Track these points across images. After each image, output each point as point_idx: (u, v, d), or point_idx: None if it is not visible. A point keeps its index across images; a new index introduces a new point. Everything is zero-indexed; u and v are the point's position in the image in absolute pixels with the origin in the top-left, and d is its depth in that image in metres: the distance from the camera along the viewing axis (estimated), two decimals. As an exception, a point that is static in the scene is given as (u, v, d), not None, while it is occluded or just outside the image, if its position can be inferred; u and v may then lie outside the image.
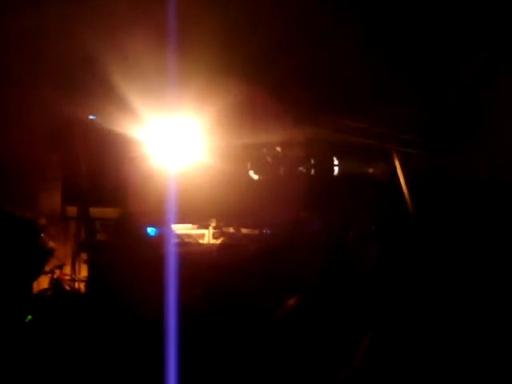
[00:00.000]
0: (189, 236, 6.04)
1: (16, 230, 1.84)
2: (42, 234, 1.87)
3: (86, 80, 4.88)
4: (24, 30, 4.64)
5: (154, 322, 3.21)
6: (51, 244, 1.90)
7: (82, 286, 5.43)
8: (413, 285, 3.67)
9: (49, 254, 1.86)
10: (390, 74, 5.64)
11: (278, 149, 6.69)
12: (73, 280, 5.50)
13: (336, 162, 6.93)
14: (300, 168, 6.83)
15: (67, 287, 5.28)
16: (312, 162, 6.86)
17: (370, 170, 6.86)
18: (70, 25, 4.47)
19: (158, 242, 5.21)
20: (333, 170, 6.95)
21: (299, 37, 5.28)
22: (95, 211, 5.80)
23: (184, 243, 5.84)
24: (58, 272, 5.21)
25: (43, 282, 5.07)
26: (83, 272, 5.58)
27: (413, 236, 5.10)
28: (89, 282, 5.20)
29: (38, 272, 1.86)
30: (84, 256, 5.57)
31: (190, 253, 5.52)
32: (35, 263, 1.87)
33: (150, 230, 5.74)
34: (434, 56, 5.47)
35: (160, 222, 5.41)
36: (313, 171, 6.87)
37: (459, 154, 5.88)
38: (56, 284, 5.09)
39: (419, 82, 5.67)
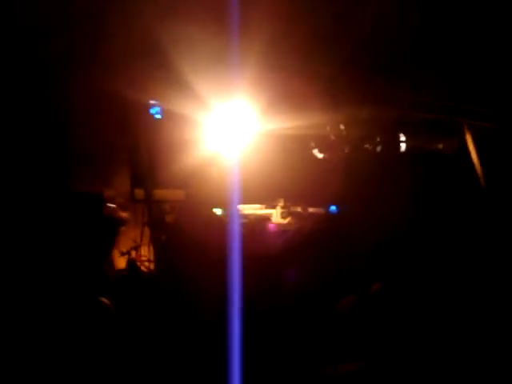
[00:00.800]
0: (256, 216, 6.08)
1: (82, 202, 1.93)
2: (111, 205, 1.94)
3: (147, 64, 4.96)
4: (90, 16, 4.76)
5: (220, 304, 3.26)
6: (122, 214, 1.95)
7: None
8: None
9: (119, 222, 1.92)
10: (457, 43, 5.42)
11: (342, 127, 6.59)
12: (149, 260, 5.64)
13: (403, 139, 6.75)
14: (365, 146, 6.71)
15: (143, 268, 5.45)
16: (378, 139, 6.72)
17: (440, 146, 6.65)
18: (131, 10, 4.54)
19: (225, 223, 5.29)
20: (399, 147, 6.78)
21: (359, 14, 5.15)
22: (164, 193, 5.91)
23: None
24: (133, 253, 5.39)
25: (121, 263, 5.29)
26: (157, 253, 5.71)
27: (487, 215, 4.91)
28: (157, 263, 5.35)
29: (112, 240, 1.92)
30: (156, 237, 5.70)
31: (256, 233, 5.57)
32: (106, 232, 1.94)
33: (217, 211, 5.83)
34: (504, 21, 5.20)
35: (227, 203, 5.48)
36: (379, 149, 6.73)
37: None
38: (131, 264, 5.27)
39: (490, 49, 5.41)
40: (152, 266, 5.55)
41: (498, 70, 5.57)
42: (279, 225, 5.91)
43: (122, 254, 5.28)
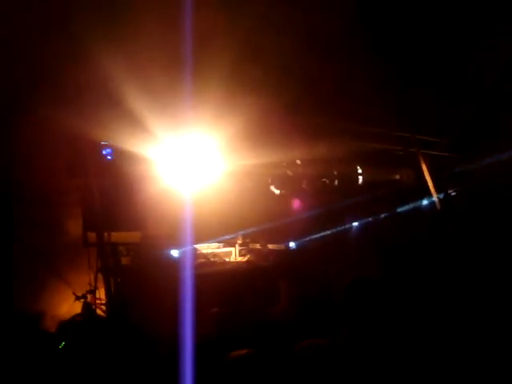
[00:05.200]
0: (215, 255, 5.94)
1: None
2: None
3: (99, 101, 4.85)
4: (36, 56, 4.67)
5: (173, 343, 3.12)
6: None
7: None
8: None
9: None
10: (410, 75, 5.51)
11: (298, 162, 6.54)
12: (105, 304, 5.42)
13: (360, 171, 6.76)
14: (323, 180, 6.67)
15: (100, 311, 5.29)
16: (335, 172, 6.70)
17: (397, 177, 6.68)
18: (81, 51, 4.46)
19: (181, 263, 5.14)
20: (357, 180, 6.77)
21: (315, 50, 5.20)
22: (119, 235, 5.73)
23: (209, 262, 5.75)
24: (90, 297, 5.26)
25: (76, 307, 5.15)
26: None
27: (443, 241, 4.91)
28: (113, 305, 5.16)
29: None
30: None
31: (214, 272, 5.43)
32: None
33: (174, 252, 5.67)
34: (455, 55, 5.32)
35: (183, 243, 5.33)
36: (336, 182, 6.71)
37: (488, 153, 5.67)
38: (87, 309, 5.07)
39: (441, 81, 5.52)
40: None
41: (450, 101, 5.68)
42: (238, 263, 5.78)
43: (77, 298, 5.18)
